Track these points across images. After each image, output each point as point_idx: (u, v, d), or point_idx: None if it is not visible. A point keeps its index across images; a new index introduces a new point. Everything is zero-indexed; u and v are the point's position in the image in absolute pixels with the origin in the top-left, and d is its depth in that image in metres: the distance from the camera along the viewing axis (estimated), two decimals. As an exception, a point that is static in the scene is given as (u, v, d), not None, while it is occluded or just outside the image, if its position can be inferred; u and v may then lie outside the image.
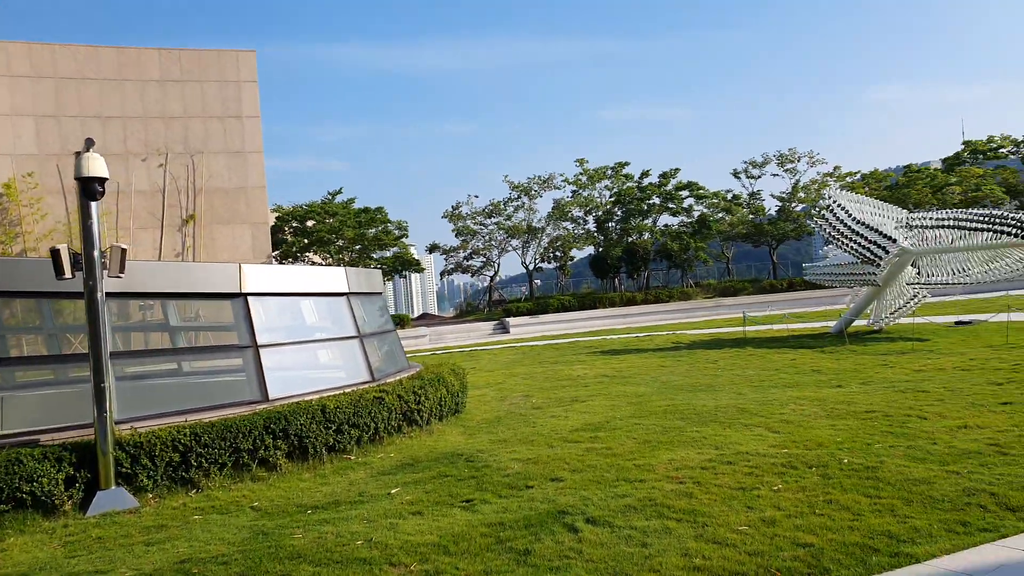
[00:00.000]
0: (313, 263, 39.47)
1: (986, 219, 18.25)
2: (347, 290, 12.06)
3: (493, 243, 45.07)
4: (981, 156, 44.31)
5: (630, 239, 44.71)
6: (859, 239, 19.33)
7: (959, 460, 7.63)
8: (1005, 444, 8.06)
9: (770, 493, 7.10)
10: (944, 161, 45.77)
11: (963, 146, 44.83)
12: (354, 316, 11.81)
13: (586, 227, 46.11)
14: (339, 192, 41.82)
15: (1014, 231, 17.44)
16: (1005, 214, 18.10)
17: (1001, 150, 43.59)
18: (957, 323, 20.79)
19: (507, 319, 37.88)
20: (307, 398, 10.36)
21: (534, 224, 44.76)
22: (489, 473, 8.73)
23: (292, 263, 38.99)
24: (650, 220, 45.82)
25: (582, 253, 50.65)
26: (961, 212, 19.22)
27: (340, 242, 39.52)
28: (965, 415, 9.60)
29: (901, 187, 42.40)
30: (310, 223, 39.76)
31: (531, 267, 46.34)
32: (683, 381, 14.72)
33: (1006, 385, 11.34)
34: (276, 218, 39.85)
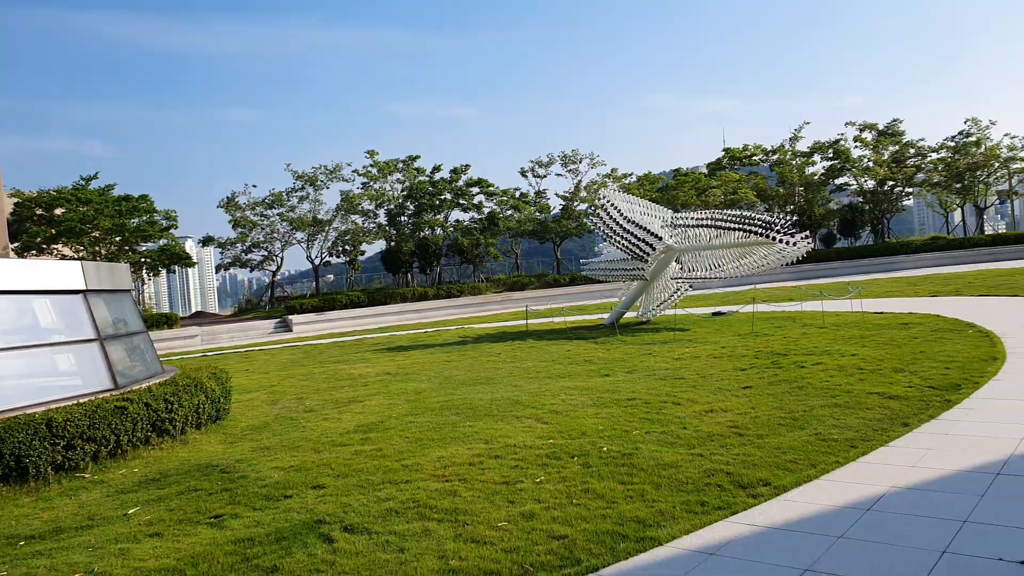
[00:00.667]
0: (63, 256, 35.14)
1: (737, 220, 20.15)
2: (84, 287, 10.61)
3: (276, 236, 42.90)
4: (738, 163, 49.44)
5: (422, 234, 44.61)
6: (629, 236, 20.53)
7: (704, 443, 8.16)
8: (742, 426, 8.77)
9: (532, 486, 7.13)
10: (708, 166, 50.54)
11: (723, 153, 49.76)
12: (93, 317, 10.42)
13: (377, 221, 45.29)
14: (94, 177, 37.60)
15: (759, 231, 19.40)
16: (753, 215, 20.09)
17: (754, 158, 48.91)
18: (714, 314, 22.82)
19: (290, 317, 36.17)
20: (31, 411, 8.95)
21: (320, 216, 43.16)
22: (245, 484, 8.03)
23: (37, 256, 34.45)
24: (442, 216, 46.01)
25: (374, 248, 49.77)
26: (718, 213, 21.09)
27: (96, 233, 35.54)
28: (712, 400, 10.37)
29: (671, 189, 46.16)
30: (59, 211, 35.34)
31: (318, 262, 44.70)
32: (465, 376, 14.71)
33: (748, 370, 12.47)
34: (15, 204, 35.02)
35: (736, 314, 22.07)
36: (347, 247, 44.36)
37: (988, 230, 50.02)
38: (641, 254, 20.53)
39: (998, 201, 48.88)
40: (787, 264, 21.18)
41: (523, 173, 48.62)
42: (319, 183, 42.99)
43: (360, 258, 46.39)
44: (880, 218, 46.49)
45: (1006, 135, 46.50)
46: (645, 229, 20.56)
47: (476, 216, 46.90)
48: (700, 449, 7.92)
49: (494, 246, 46.46)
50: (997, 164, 45.25)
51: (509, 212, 47.30)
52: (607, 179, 47.74)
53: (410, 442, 9.34)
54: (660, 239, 20.50)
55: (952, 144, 46.50)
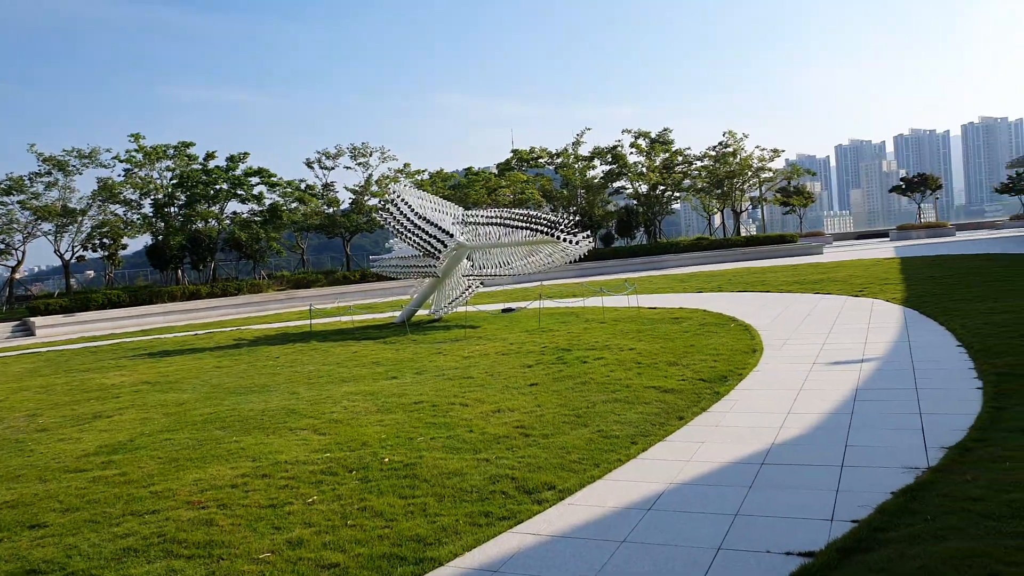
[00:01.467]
0: None
1: (525, 219, 20.44)
2: None
3: (15, 226, 37.30)
4: (526, 164, 50.96)
5: (195, 227, 41.02)
6: (421, 233, 20.09)
7: (490, 446, 7.86)
8: (528, 425, 8.60)
9: (303, 508, 6.38)
10: (498, 166, 51.58)
11: (512, 154, 51.07)
12: None
13: (142, 212, 40.93)
14: None
15: (545, 230, 19.80)
16: (539, 215, 20.48)
17: (540, 160, 50.67)
18: (504, 310, 23.02)
19: (32, 319, 31.56)
20: None
21: (72, 205, 38.20)
22: (-65, 531, 6.47)
23: None
24: (217, 207, 42.65)
25: (139, 242, 45.05)
26: (507, 211, 21.28)
27: None
28: (500, 399, 10.17)
29: (463, 187, 46.48)
30: None
31: (69, 256, 39.56)
32: (236, 383, 13.41)
33: (535, 367, 12.48)
34: None
35: (524, 310, 22.42)
36: (105, 240, 39.64)
37: (744, 232, 55.82)
38: (432, 251, 20.17)
39: (750, 206, 54.78)
40: (571, 262, 21.87)
41: (309, 164, 46.47)
42: (70, 168, 37.97)
43: (122, 253, 41.72)
44: (652, 219, 50.17)
45: (757, 147, 52.24)
46: (436, 226, 20.23)
47: (256, 208, 44.02)
48: (486, 453, 7.60)
49: (277, 240, 43.94)
50: (750, 173, 50.68)
51: (294, 205, 44.98)
52: (399, 174, 47.04)
53: (163, 463, 8.14)
54: (452, 236, 20.27)
55: (713, 153, 51.33)
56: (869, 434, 7.33)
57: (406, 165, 47.57)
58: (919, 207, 65.92)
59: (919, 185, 65.02)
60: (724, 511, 5.70)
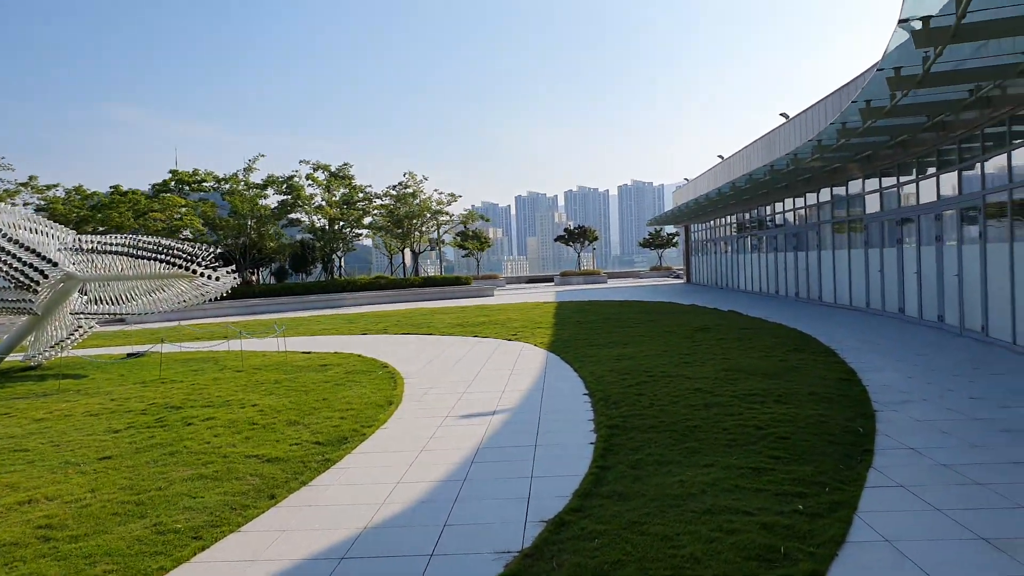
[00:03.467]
0: None
1: (156, 248, 17.59)
2: None
3: None
4: (187, 187, 46.18)
5: None
6: (12, 261, 16.24)
7: (-24, 564, 5.59)
8: (60, 522, 6.43)
9: None
10: (154, 188, 46.05)
11: (170, 175, 46.01)
12: None
13: None
14: None
15: (179, 262, 17.18)
16: (174, 245, 17.76)
17: (205, 183, 46.29)
18: (129, 355, 19.60)
19: None
20: None
21: None
22: None
23: None
24: None
25: None
26: (133, 239, 18.16)
27: None
28: (42, 482, 7.75)
29: (105, 207, 40.44)
30: None
31: None
32: None
33: (122, 432, 10.09)
34: None
35: (154, 354, 19.28)
36: None
37: (425, 272, 56.58)
38: (28, 283, 16.39)
39: (429, 247, 55.75)
40: (217, 299, 19.35)
41: None
42: None
43: None
44: (330, 255, 48.43)
45: (435, 190, 53.38)
46: (35, 252, 16.52)
47: None
48: (-37, 578, 5.34)
49: None
50: (428, 215, 51.52)
51: None
52: (23, 187, 39.47)
53: None
54: (56, 265, 16.69)
55: (394, 193, 51.35)
56: (474, 507, 6.49)
57: (32, 178, 40.02)
58: (579, 256, 72.88)
59: (579, 236, 71.96)
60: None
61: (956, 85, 13.17)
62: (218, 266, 17.88)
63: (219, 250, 22.69)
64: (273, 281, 47.56)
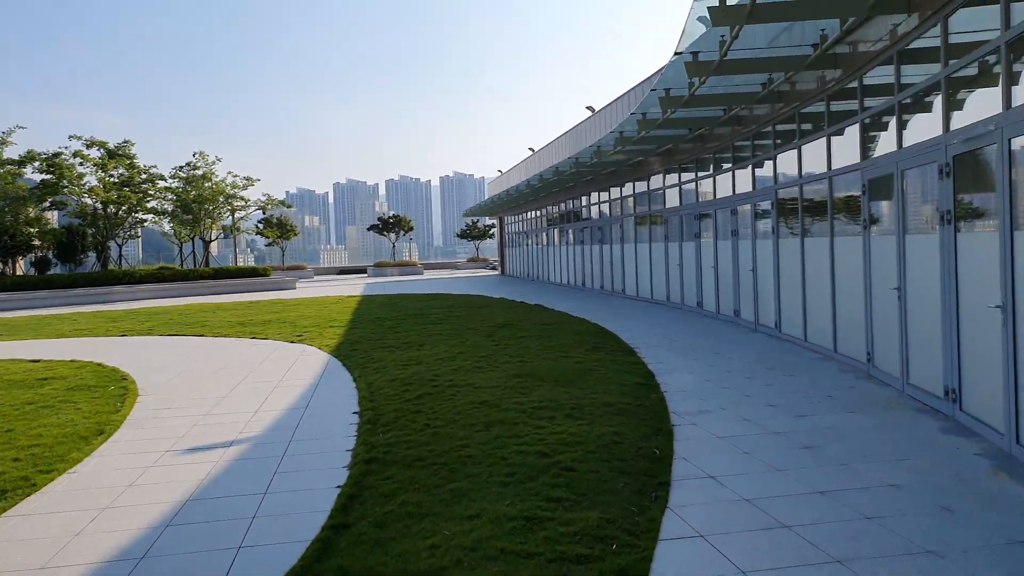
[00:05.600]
0: None
1: None
2: None
3: None
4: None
5: None
6: None
7: None
8: None
9: None
10: None
11: None
12: None
13: None
14: None
15: None
16: None
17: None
18: None
19: None
20: None
21: None
22: None
23: None
24: None
25: None
26: None
27: None
28: None
29: None
30: None
31: None
32: None
33: None
34: None
35: None
36: None
37: (232, 263, 51.76)
38: None
39: (222, 235, 51.04)
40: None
41: None
42: None
43: None
44: (104, 243, 42.73)
45: (230, 173, 48.75)
46: None
47: None
48: None
49: None
50: (222, 199, 46.99)
51: None
52: None
53: None
54: None
55: (183, 175, 46.34)
56: (136, 609, 4.51)
57: None
58: (393, 246, 70.63)
59: (394, 226, 69.71)
60: None
61: (752, 75, 12.79)
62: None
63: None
64: (32, 272, 41.12)
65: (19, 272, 42.41)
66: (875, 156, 10.42)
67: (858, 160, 10.90)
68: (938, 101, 8.45)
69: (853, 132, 11.08)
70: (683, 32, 10.67)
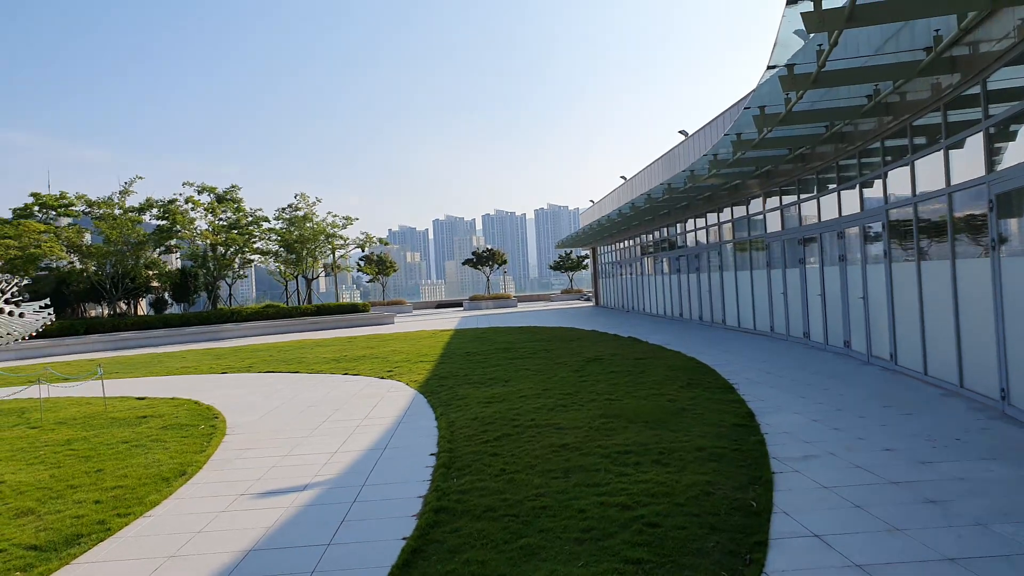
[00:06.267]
0: None
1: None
2: None
3: None
4: (54, 212, 41.94)
5: None
6: None
7: None
8: None
9: None
10: (14, 212, 41.55)
11: (32, 199, 41.63)
12: None
13: None
14: None
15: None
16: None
17: (74, 208, 42.10)
18: (-82, 408, 16.24)
19: None
20: None
21: None
22: None
23: None
24: None
25: None
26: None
27: None
28: None
29: (-48, 234, 35.97)
30: None
31: None
32: None
33: None
34: None
35: (-49, 407, 16.04)
36: None
37: (337, 300, 53.29)
38: None
39: (324, 274, 52.59)
40: (28, 337, 16.31)
41: None
42: None
43: None
44: (214, 283, 44.80)
45: (330, 213, 50.31)
46: None
47: None
48: None
49: None
50: (323, 238, 48.51)
51: None
52: None
53: None
54: None
55: (287, 216, 48.19)
56: None
57: None
58: (488, 279, 70.98)
59: (488, 259, 70.14)
60: None
61: (855, 86, 11.86)
62: (23, 300, 14.94)
63: (26, 282, 19.63)
64: (150, 312, 43.54)
65: (140, 312, 45.03)
66: (1003, 168, 9.31)
67: (983, 173, 9.78)
68: (1076, 102, 7.40)
69: (976, 143, 9.99)
70: (775, 43, 9.95)
